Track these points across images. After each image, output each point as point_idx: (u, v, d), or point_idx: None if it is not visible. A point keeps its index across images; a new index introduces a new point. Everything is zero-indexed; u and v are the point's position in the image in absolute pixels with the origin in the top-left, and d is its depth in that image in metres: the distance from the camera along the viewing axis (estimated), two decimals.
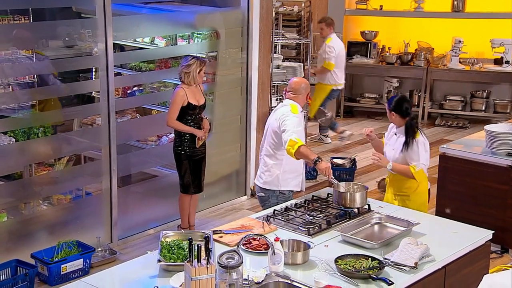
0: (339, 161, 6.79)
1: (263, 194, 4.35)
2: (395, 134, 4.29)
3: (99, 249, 4.82)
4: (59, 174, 5.09)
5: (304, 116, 6.17)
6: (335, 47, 7.63)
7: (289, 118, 4.10)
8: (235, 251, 2.87)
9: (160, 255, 3.17)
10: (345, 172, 6.57)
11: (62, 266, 4.43)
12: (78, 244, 4.65)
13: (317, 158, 3.92)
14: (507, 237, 4.81)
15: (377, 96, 9.33)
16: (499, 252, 4.86)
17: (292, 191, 4.34)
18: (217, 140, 5.79)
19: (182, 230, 4.81)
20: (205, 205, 5.86)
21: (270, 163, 4.28)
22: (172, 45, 5.90)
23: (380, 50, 9.26)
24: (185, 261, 2.81)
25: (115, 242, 5.13)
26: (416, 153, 4.13)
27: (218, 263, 2.80)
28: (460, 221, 3.71)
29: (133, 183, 5.75)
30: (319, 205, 3.94)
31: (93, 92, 5.93)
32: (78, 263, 4.50)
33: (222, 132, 5.91)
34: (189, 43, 5.85)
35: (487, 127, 4.93)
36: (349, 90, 9.54)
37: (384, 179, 6.39)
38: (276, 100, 6.64)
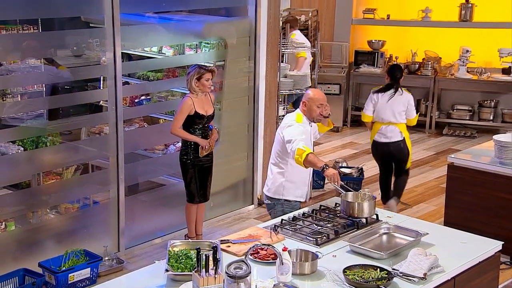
0: (347, 171, 6.78)
1: (269, 202, 4.36)
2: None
3: (106, 258, 4.82)
4: (66, 183, 5.10)
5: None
6: (299, 39, 7.37)
7: (292, 127, 4.09)
8: (243, 261, 2.86)
9: (168, 264, 3.16)
10: (353, 182, 6.55)
11: (69, 275, 4.42)
12: (85, 253, 4.65)
13: (324, 165, 3.91)
14: None
15: None
16: (509, 263, 4.82)
17: (299, 201, 4.33)
18: (224, 149, 5.80)
19: (189, 240, 4.80)
20: (212, 214, 5.86)
21: (275, 171, 4.29)
22: (179, 54, 5.93)
23: (388, 59, 9.26)
24: (193, 271, 2.81)
25: (122, 251, 5.13)
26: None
27: (226, 273, 2.79)
28: (469, 232, 3.69)
29: (140, 192, 5.76)
30: (327, 214, 3.93)
31: (101, 101, 5.96)
32: (86, 272, 4.50)
33: (229, 141, 5.92)
34: (196, 52, 5.88)
35: (495, 137, 4.91)
36: (356, 100, 9.54)
37: None
38: (284, 109, 6.64)
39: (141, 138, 5.65)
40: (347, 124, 9.31)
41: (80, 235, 4.95)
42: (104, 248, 4.85)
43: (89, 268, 4.52)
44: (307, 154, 3.91)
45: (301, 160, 3.93)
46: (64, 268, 4.47)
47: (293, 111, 4.37)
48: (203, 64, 5.07)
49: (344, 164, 7.15)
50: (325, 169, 3.88)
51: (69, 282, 4.42)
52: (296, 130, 4.09)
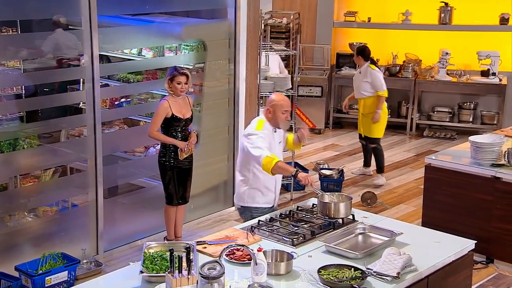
0: (327, 172, 6.82)
1: (239, 207, 4.34)
2: (359, 72, 6.85)
3: (85, 261, 4.79)
4: (45, 186, 5.07)
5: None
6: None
7: (253, 137, 4.02)
8: (216, 261, 2.87)
9: (143, 266, 3.16)
10: (333, 183, 6.59)
11: (46, 278, 4.39)
12: (63, 256, 4.62)
13: (296, 170, 3.91)
14: (492, 248, 4.83)
15: None
16: (485, 262, 4.88)
17: (266, 207, 4.23)
18: (204, 151, 5.79)
19: (166, 242, 4.79)
20: (192, 216, 5.85)
21: (238, 179, 4.25)
22: (159, 56, 5.92)
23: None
24: (166, 272, 2.81)
25: (101, 254, 5.11)
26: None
27: (200, 273, 2.79)
28: (446, 232, 3.72)
29: (120, 195, 5.73)
30: (303, 215, 3.95)
31: (81, 103, 5.93)
32: (63, 276, 4.48)
33: (209, 143, 5.92)
34: (176, 54, 5.87)
35: (471, 138, 4.97)
36: (338, 102, 9.59)
37: (367, 192, 6.44)
38: None
39: (120, 140, 5.63)
40: (329, 126, 9.36)
41: (58, 238, 4.92)
42: (82, 251, 4.83)
43: (67, 271, 4.49)
44: (276, 162, 3.88)
45: (269, 166, 3.88)
46: (41, 271, 4.44)
47: None
48: (181, 66, 5.07)
49: (325, 166, 7.19)
50: (297, 173, 3.89)
51: (46, 285, 4.39)
52: (258, 138, 4.00)
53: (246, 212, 4.24)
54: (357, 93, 7.03)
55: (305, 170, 7.01)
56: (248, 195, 4.20)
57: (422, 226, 5.02)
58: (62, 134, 6.18)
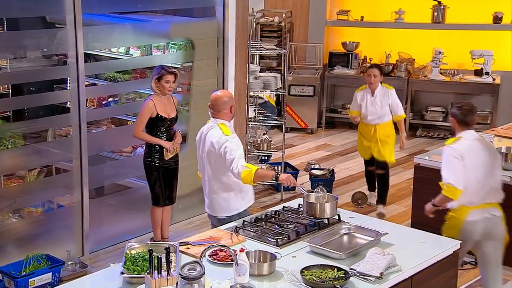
0: (318, 172, 6.82)
1: (222, 217, 4.04)
2: (373, 96, 6.00)
3: (70, 262, 4.79)
4: (29, 186, 5.06)
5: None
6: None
7: (227, 144, 3.85)
8: (197, 262, 2.87)
9: (124, 267, 3.16)
10: (324, 184, 6.59)
11: (29, 280, 4.39)
12: (47, 257, 4.62)
13: (276, 174, 3.85)
14: None
15: None
16: (474, 263, 4.88)
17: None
18: (192, 151, 5.76)
19: (148, 242, 4.79)
20: (180, 217, 5.85)
21: (217, 188, 4.01)
22: (147, 55, 5.92)
23: (361, 61, 9.34)
24: (146, 273, 2.81)
25: (87, 255, 5.10)
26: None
27: (180, 274, 2.79)
28: (436, 232, 3.73)
29: (107, 195, 5.73)
30: (289, 215, 3.95)
31: (68, 103, 5.92)
32: (47, 277, 4.47)
33: None
34: (164, 53, 5.87)
35: None
36: (331, 101, 9.61)
37: (358, 192, 6.45)
38: (254, 111, 6.67)
39: (106, 140, 5.63)
40: (321, 126, 9.37)
41: (43, 240, 4.91)
42: (67, 252, 4.82)
43: (51, 273, 4.49)
44: (255, 173, 3.76)
45: (250, 179, 3.78)
46: (24, 273, 4.43)
47: None
48: (168, 65, 5.07)
49: (317, 166, 7.20)
50: (278, 176, 3.85)
51: (30, 287, 4.38)
52: (232, 144, 3.85)
53: (232, 220, 4.00)
54: (372, 119, 6.03)
55: (295, 170, 7.01)
56: (236, 202, 4.03)
57: (411, 226, 5.03)
58: (49, 134, 6.18)
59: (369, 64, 6.27)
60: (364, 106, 6.03)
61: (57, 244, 4.92)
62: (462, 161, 3.89)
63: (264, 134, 6.86)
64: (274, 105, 7.93)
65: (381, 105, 6.01)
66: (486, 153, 4.00)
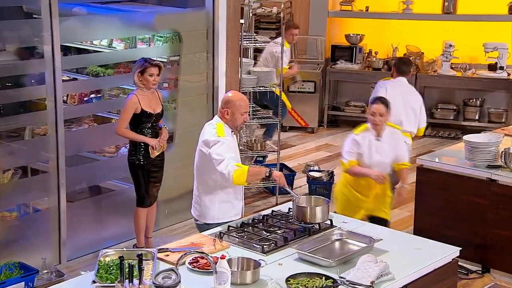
0: (316, 174, 6.82)
1: (201, 223, 4.14)
2: (378, 139, 4.86)
3: (45, 271, 4.80)
4: (3, 189, 5.07)
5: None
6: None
7: (218, 145, 3.91)
8: (172, 269, 2.88)
9: (97, 275, 3.17)
10: (322, 186, 6.60)
11: None
12: (20, 266, 4.63)
13: (268, 171, 3.91)
14: (488, 256, 4.85)
15: (363, 105, 9.37)
16: (480, 272, 4.88)
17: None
18: (180, 152, 5.80)
19: (124, 249, 4.80)
20: (167, 223, 5.86)
21: (201, 192, 4.10)
22: (131, 48, 5.94)
23: (366, 54, 9.34)
24: (116, 282, 2.82)
25: (64, 264, 5.11)
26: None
27: (154, 283, 2.81)
28: (438, 238, 3.73)
29: (87, 198, 5.74)
30: (278, 220, 3.96)
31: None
32: (19, 287, 4.48)
33: (185, 143, 5.91)
34: (149, 46, 5.89)
35: (466, 137, 4.98)
36: (333, 98, 9.60)
37: None
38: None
39: (86, 139, 5.64)
40: (323, 125, 9.36)
41: (16, 246, 4.92)
42: (43, 260, 4.83)
43: (23, 282, 4.50)
44: (247, 172, 3.83)
45: (242, 180, 3.85)
46: None
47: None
48: (151, 58, 5.08)
49: (316, 168, 7.20)
50: (271, 172, 3.90)
51: None
52: (222, 146, 3.90)
53: (210, 228, 4.02)
54: (380, 167, 4.85)
55: (292, 172, 7.02)
56: (219, 211, 4.07)
57: (414, 232, 5.04)
58: (26, 133, 6.19)
59: (370, 99, 5.02)
60: (367, 155, 4.84)
61: (32, 251, 4.93)
62: None
63: (257, 127, 6.83)
64: (287, 102, 7.82)
65: (389, 152, 4.85)
66: None
